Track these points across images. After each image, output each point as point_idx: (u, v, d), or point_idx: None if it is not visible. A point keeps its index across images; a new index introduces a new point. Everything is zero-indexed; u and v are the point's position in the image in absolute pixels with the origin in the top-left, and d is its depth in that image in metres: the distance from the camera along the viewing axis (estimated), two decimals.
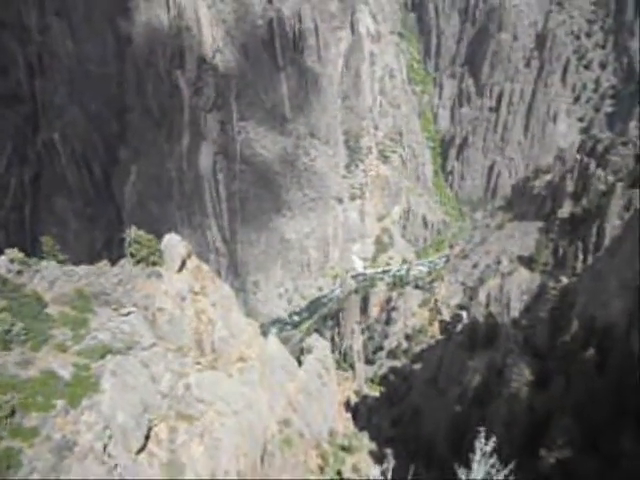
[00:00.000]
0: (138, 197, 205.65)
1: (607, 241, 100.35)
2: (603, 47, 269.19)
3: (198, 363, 29.50)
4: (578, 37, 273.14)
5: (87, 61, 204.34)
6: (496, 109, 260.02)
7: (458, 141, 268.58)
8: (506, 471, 13.47)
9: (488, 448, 13.36)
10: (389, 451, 47.88)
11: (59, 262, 31.85)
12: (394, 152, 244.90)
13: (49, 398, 20.27)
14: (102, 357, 23.48)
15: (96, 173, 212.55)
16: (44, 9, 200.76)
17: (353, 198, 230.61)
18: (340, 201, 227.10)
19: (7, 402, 19.07)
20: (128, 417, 21.93)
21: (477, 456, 13.38)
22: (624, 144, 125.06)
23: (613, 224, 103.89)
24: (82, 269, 31.70)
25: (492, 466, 13.37)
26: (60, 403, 20.29)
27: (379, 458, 49.56)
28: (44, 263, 30.27)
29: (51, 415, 19.88)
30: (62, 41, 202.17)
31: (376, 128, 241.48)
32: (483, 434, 13.41)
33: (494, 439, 13.42)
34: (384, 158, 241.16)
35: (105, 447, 20.34)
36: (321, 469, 37.61)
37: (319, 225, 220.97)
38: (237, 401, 28.48)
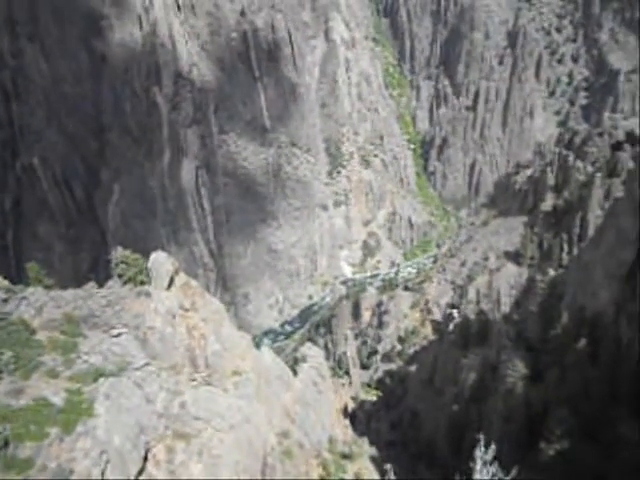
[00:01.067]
0: (122, 216, 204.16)
1: (591, 231, 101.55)
2: (574, 41, 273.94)
3: (192, 380, 29.25)
4: (549, 32, 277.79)
5: (62, 82, 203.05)
6: (473, 108, 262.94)
7: (438, 141, 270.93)
8: (509, 478, 13.48)
9: (488, 457, 13.38)
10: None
11: (45, 287, 31.46)
12: (375, 156, 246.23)
13: (42, 426, 19.94)
14: (94, 381, 23.16)
15: (78, 195, 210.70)
16: (16, 33, 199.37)
17: (338, 204, 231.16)
18: (325, 208, 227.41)
19: (0, 433, 18.75)
20: (124, 440, 21.63)
21: (478, 466, 13.39)
22: (600, 135, 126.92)
23: (595, 214, 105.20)
24: (69, 293, 31.33)
25: (494, 475, 13.35)
26: (54, 431, 19.95)
27: (380, 463, 49.49)
28: (30, 289, 29.87)
29: (45, 444, 19.53)
30: (36, 64, 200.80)
31: (356, 133, 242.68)
32: (482, 442, 13.43)
33: (493, 447, 13.43)
34: (366, 163, 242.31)
35: (103, 473, 20.03)
36: (323, 479, 37.41)
37: (305, 233, 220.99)
38: (234, 416, 28.25)
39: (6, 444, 18.78)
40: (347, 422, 54.11)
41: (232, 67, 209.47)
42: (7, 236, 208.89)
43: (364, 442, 52.63)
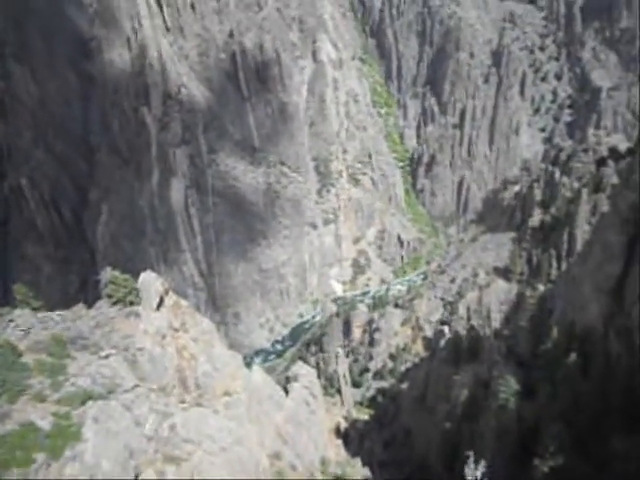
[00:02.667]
0: (111, 237, 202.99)
1: (578, 246, 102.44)
2: (557, 59, 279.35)
3: (182, 401, 28.91)
4: (532, 51, 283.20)
5: (51, 103, 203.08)
6: (460, 126, 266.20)
7: (426, 159, 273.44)
8: None
9: (478, 473, 13.32)
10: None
11: (33, 309, 31.12)
12: (364, 174, 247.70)
13: (29, 452, 19.55)
14: (83, 404, 22.82)
15: (66, 215, 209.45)
16: (4, 55, 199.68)
17: (327, 223, 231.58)
18: (314, 226, 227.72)
19: None
20: (113, 464, 21.25)
21: None
22: (585, 151, 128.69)
23: (583, 229, 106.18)
24: (57, 315, 31.00)
25: None
26: (41, 456, 19.58)
27: None
28: (17, 312, 29.53)
29: (32, 470, 19.15)
30: (24, 85, 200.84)
31: (345, 152, 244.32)
32: (472, 458, 13.38)
33: (483, 463, 13.38)
34: (355, 181, 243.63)
35: None
36: None
37: (295, 252, 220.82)
38: (225, 438, 27.89)
39: None
40: (339, 442, 53.64)
41: (221, 87, 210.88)
42: None
43: (357, 462, 52.09)
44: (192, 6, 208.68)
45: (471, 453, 13.66)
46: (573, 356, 40.80)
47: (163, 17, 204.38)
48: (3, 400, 22.02)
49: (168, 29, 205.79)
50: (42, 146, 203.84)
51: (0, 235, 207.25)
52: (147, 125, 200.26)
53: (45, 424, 21.18)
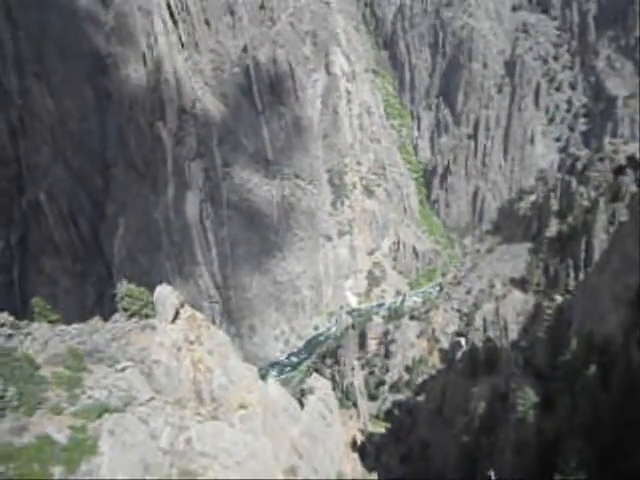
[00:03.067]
0: (127, 250, 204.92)
1: (596, 256, 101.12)
2: (571, 68, 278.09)
3: (198, 414, 28.85)
4: (546, 61, 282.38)
5: (68, 119, 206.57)
6: (474, 136, 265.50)
7: (440, 170, 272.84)
8: None
9: None
10: None
11: (50, 322, 31.39)
12: (378, 186, 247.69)
13: (46, 465, 19.61)
14: (99, 416, 22.88)
15: (83, 229, 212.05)
16: (23, 71, 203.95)
17: (342, 234, 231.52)
18: (329, 238, 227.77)
19: (2, 474, 18.42)
20: (129, 479, 21.22)
21: None
22: (601, 160, 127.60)
23: (600, 239, 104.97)
24: (74, 328, 31.23)
25: None
26: (57, 470, 19.62)
27: None
28: (35, 325, 29.81)
29: None
30: (42, 101, 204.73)
31: (359, 164, 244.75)
32: (493, 478, 13.12)
33: None
34: (369, 193, 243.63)
35: None
36: None
37: (310, 264, 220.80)
38: (240, 452, 27.74)
39: None
40: (356, 456, 53.09)
41: (235, 101, 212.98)
42: (13, 271, 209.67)
43: (374, 477, 51.48)
44: (207, 22, 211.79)
45: (492, 473, 13.40)
46: (593, 367, 40.05)
47: (178, 33, 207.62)
48: (20, 413, 22.16)
49: (183, 45, 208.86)
50: (60, 161, 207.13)
51: (19, 249, 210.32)
52: (163, 139, 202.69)
53: (61, 437, 21.26)
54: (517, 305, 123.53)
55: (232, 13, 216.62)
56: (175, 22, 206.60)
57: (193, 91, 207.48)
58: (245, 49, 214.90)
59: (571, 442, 35.95)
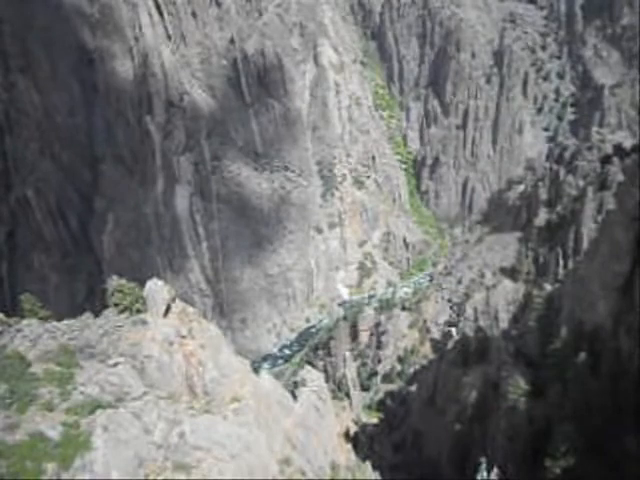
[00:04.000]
0: (117, 245, 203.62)
1: (585, 244, 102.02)
2: (559, 58, 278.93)
3: (191, 408, 28.87)
4: (534, 50, 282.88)
5: (55, 113, 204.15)
6: (463, 126, 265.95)
7: (429, 161, 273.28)
8: None
9: (492, 478, 13.19)
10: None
11: (41, 319, 31.21)
12: (368, 177, 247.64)
13: (39, 462, 19.55)
14: (92, 412, 22.81)
15: (72, 225, 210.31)
16: (8, 67, 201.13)
17: (332, 226, 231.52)
18: (319, 231, 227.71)
19: None
20: (123, 474, 21.21)
21: None
22: (589, 149, 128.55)
23: (589, 227, 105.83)
24: (65, 324, 31.08)
25: None
26: (51, 467, 19.57)
27: None
28: (25, 322, 29.62)
29: None
30: (28, 96, 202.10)
31: (348, 155, 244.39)
32: (484, 466, 13.26)
33: (496, 470, 13.23)
34: (359, 184, 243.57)
35: None
36: None
37: (301, 256, 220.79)
38: (234, 444, 27.82)
39: None
40: (349, 446, 53.39)
41: (223, 94, 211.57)
42: (1, 268, 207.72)
43: (367, 467, 51.85)
44: (193, 14, 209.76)
45: (483, 459, 13.52)
46: (582, 355, 40.54)
47: (164, 25, 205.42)
48: (12, 410, 22.05)
49: (170, 37, 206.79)
50: (48, 157, 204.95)
51: (7, 246, 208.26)
52: (151, 133, 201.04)
53: (54, 434, 21.20)
54: (507, 294, 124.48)
55: (219, 5, 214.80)
56: (161, 14, 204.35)
57: (181, 84, 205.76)
58: (232, 41, 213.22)
59: (561, 428, 36.43)
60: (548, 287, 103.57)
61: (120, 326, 30.48)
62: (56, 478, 19.41)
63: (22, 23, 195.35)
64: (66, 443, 20.75)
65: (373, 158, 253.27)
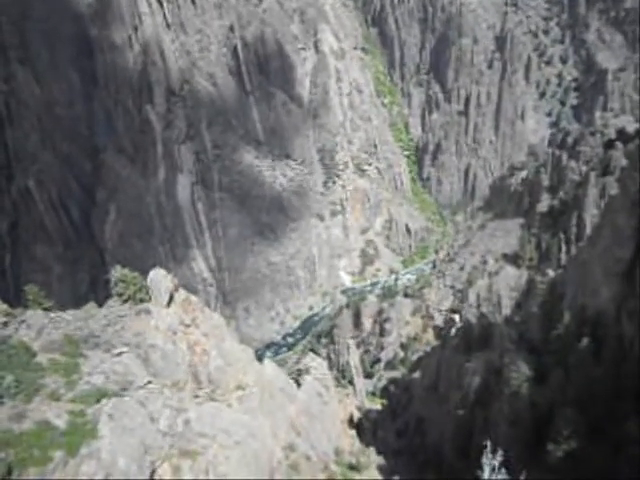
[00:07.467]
0: (119, 235, 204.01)
1: (588, 230, 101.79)
2: (561, 42, 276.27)
3: (196, 396, 29.10)
4: (536, 35, 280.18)
5: (55, 105, 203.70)
6: (465, 112, 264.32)
7: (431, 147, 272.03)
8: None
9: (496, 462, 13.26)
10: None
11: (45, 309, 31.36)
12: (370, 164, 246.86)
13: (46, 450, 19.74)
14: (97, 401, 23.00)
15: (74, 216, 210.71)
16: (8, 58, 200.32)
17: (334, 214, 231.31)
18: (322, 218, 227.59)
19: (2, 460, 18.53)
20: (129, 461, 21.43)
21: (486, 474, 13.26)
22: (592, 134, 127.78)
23: (591, 213, 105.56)
24: (69, 314, 31.24)
25: None
26: (58, 455, 19.76)
27: (388, 473, 49.14)
28: (29, 312, 29.76)
29: (49, 468, 19.34)
30: (28, 87, 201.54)
31: (349, 143, 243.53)
32: (489, 448, 13.32)
33: (501, 452, 13.31)
34: (361, 171, 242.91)
35: None
36: None
37: (303, 244, 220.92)
38: (239, 431, 28.06)
39: (9, 471, 18.57)
40: (353, 432, 53.86)
41: (223, 82, 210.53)
42: (5, 259, 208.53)
43: (371, 452, 52.31)
44: (192, 1, 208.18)
45: (488, 442, 13.60)
46: (585, 340, 40.61)
47: (164, 14, 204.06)
48: (18, 400, 22.24)
49: (169, 25, 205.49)
50: (49, 148, 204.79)
51: (10, 237, 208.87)
52: (151, 123, 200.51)
53: (61, 422, 21.39)
54: (510, 280, 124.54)
55: None
56: (160, 2, 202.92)
57: (181, 72, 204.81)
58: (232, 28, 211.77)
59: (564, 413, 36.63)
60: (551, 273, 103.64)
61: (124, 316, 30.63)
62: (63, 466, 19.63)
63: (20, 14, 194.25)
64: (72, 431, 20.94)
65: (375, 145, 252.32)
